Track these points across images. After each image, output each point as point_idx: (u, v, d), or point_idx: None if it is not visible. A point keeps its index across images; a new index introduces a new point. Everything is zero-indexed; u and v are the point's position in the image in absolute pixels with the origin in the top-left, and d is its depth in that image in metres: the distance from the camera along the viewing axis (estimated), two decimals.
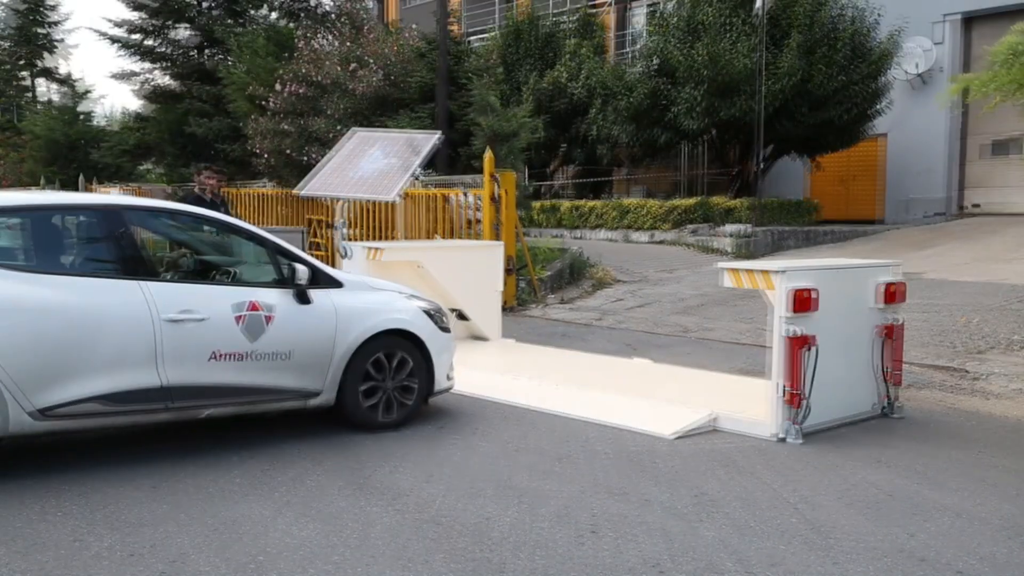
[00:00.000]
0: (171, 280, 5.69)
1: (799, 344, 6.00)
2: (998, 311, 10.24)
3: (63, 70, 35.29)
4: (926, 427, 6.54)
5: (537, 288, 13.53)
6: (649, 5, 25.82)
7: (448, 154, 15.81)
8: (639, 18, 27.23)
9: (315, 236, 15.65)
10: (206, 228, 6.33)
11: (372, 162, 10.31)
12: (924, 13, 20.58)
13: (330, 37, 17.92)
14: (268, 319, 5.73)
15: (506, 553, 4.11)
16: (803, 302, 6.01)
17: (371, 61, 16.17)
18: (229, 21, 22.54)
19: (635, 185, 26.50)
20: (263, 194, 17.35)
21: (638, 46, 23.46)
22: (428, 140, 10.67)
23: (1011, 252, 15.01)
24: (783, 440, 6.04)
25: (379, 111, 16.29)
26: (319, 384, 6.02)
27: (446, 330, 6.71)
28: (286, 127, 16.05)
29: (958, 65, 20.97)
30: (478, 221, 12.98)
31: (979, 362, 8.35)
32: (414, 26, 19.57)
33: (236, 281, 5.89)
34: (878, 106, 19.28)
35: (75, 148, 25.93)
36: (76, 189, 23.04)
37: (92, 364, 5.17)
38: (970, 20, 21.09)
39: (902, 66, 20.30)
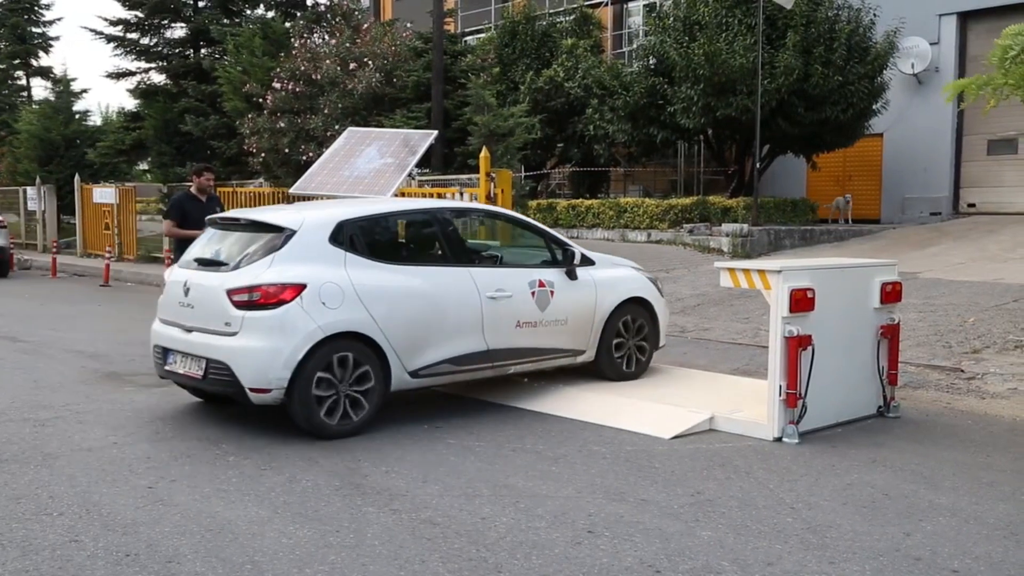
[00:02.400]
0: (486, 265, 6.96)
1: (797, 344, 5.99)
2: (994, 311, 10.25)
3: (43, 63, 35.24)
4: (922, 427, 6.55)
5: None
6: (646, 3, 25.81)
7: (444, 153, 15.80)
8: (636, 17, 27.22)
9: None
10: (497, 222, 7.94)
11: (368, 161, 10.28)
12: (920, 12, 20.59)
13: (326, 36, 17.90)
14: (551, 293, 7.08)
15: (502, 554, 4.10)
16: (801, 302, 6.01)
17: (369, 63, 16.15)
18: (225, 21, 22.50)
19: (632, 184, 26.50)
20: (258, 193, 17.31)
21: (635, 45, 23.46)
22: (424, 139, 10.65)
23: (1007, 252, 15.03)
24: (780, 441, 6.04)
25: (375, 110, 16.27)
26: (584, 344, 7.40)
27: (662, 295, 8.03)
28: (282, 125, 16.03)
29: (955, 64, 20.99)
30: None
31: (975, 362, 8.35)
32: (409, 24, 19.54)
33: (509, 264, 7.19)
34: (875, 106, 19.29)
35: (71, 147, 25.87)
36: (71, 189, 23.02)
37: (442, 335, 6.49)
38: (966, 18, 21.11)
39: (899, 66, 20.31)
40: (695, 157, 24.71)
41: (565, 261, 7.29)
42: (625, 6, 27.82)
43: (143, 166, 27.92)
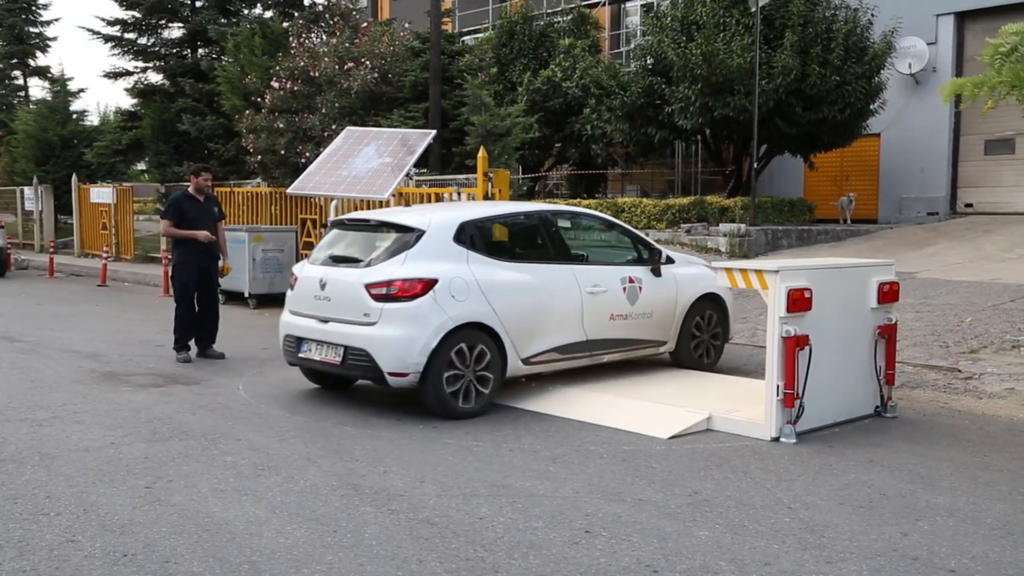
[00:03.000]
0: (584, 263, 7.56)
1: (795, 344, 6.00)
2: (991, 311, 10.26)
3: (41, 63, 35.14)
4: (920, 427, 6.55)
5: None
6: (643, 3, 25.82)
7: (442, 153, 15.78)
8: (634, 16, 27.21)
9: (308, 236, 15.61)
10: (584, 223, 8.43)
11: (365, 161, 10.28)
12: (918, 12, 20.59)
13: (324, 36, 17.87)
14: (640, 289, 7.72)
15: (500, 554, 4.10)
16: (798, 302, 6.02)
17: (367, 63, 16.13)
18: (222, 20, 22.46)
19: (630, 184, 26.49)
20: (255, 193, 17.30)
21: (632, 44, 23.42)
22: (422, 139, 10.64)
23: (1005, 252, 15.04)
24: (778, 441, 6.04)
25: (372, 109, 16.25)
26: (666, 336, 8.04)
27: (730, 291, 8.38)
28: (280, 125, 16.01)
29: (952, 64, 21.00)
30: None
31: (972, 362, 8.36)
32: (407, 24, 19.52)
33: (600, 262, 7.74)
34: (872, 106, 19.29)
35: (68, 147, 25.83)
36: (68, 189, 22.99)
37: (549, 326, 7.12)
38: (963, 18, 21.12)
39: (896, 65, 20.31)
40: (693, 157, 24.70)
41: (651, 259, 7.97)
42: (623, 6, 27.80)
43: (140, 166, 27.85)
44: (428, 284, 6.54)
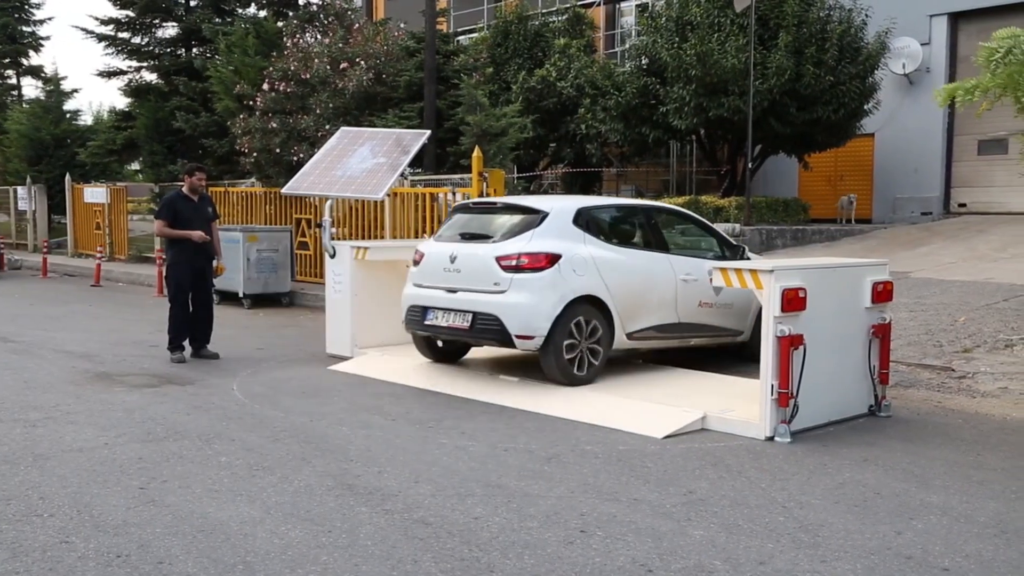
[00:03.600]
0: (678, 254, 8.26)
1: (789, 344, 6.01)
2: (985, 310, 10.29)
3: (34, 62, 35.06)
4: (913, 426, 6.57)
5: None
6: (638, 4, 25.83)
7: (436, 153, 15.76)
8: (628, 17, 27.23)
9: (302, 236, 15.60)
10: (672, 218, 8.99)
11: (360, 161, 10.25)
12: (911, 13, 20.63)
13: (318, 35, 17.83)
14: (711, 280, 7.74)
15: (495, 554, 4.10)
16: (793, 301, 6.03)
17: (361, 63, 16.10)
18: (217, 20, 22.40)
19: (625, 184, 26.50)
20: (250, 193, 17.27)
21: (627, 45, 23.43)
22: (417, 138, 10.62)
23: (998, 252, 15.08)
24: (772, 440, 6.05)
25: (367, 109, 16.22)
26: (743, 327, 8.65)
27: None
28: (274, 126, 15.97)
29: (946, 64, 21.05)
30: None
31: (966, 361, 8.39)
32: (402, 24, 19.50)
33: (691, 254, 8.43)
34: (866, 106, 19.32)
35: (61, 147, 25.76)
36: (62, 189, 22.92)
37: (650, 306, 7.86)
38: (957, 19, 21.17)
39: (890, 66, 20.36)
40: (687, 157, 24.72)
41: (732, 255, 8.57)
42: (617, 6, 27.82)
43: (134, 166, 27.79)
44: (553, 258, 7.34)
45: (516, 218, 7.82)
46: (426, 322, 7.89)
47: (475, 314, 7.46)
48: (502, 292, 7.34)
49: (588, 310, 7.45)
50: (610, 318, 7.58)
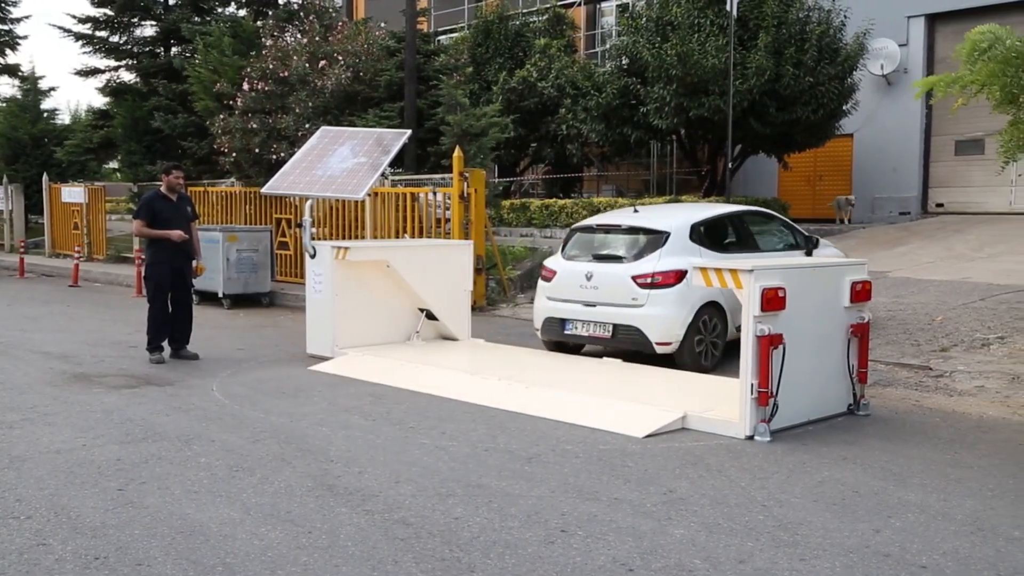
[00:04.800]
0: (765, 251, 9.23)
1: (769, 343, 6.04)
2: (962, 309, 10.38)
3: (11, 61, 34.62)
4: (892, 424, 6.62)
5: (507, 287, 13.52)
6: (619, 4, 25.87)
7: (417, 153, 15.73)
8: (609, 17, 27.28)
9: (283, 236, 15.52)
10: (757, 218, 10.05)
11: (340, 160, 10.21)
12: (889, 14, 20.80)
13: (298, 35, 17.74)
14: None
15: (476, 554, 4.10)
16: (772, 301, 6.06)
17: (340, 59, 16.04)
18: (196, 19, 22.24)
19: (606, 184, 26.56)
20: (229, 193, 17.17)
21: (608, 45, 23.47)
22: (397, 138, 10.60)
23: (975, 251, 15.23)
24: (752, 439, 6.07)
25: (347, 109, 16.17)
26: None
27: None
28: (254, 125, 15.88)
29: (923, 65, 21.23)
30: (447, 220, 12.94)
31: (943, 360, 8.46)
32: (383, 24, 19.45)
33: (776, 248, 9.45)
34: (845, 106, 19.46)
35: (38, 146, 25.50)
36: (39, 189, 22.69)
37: None
38: (934, 20, 21.36)
39: (868, 67, 20.51)
40: (668, 157, 24.79)
41: (806, 244, 9.69)
42: (598, 6, 27.87)
43: (112, 165, 27.55)
44: (681, 274, 8.24)
45: (642, 238, 8.79)
46: (566, 332, 8.94)
47: (616, 325, 8.52)
48: (640, 306, 8.36)
49: (710, 312, 8.51)
50: (724, 315, 8.63)
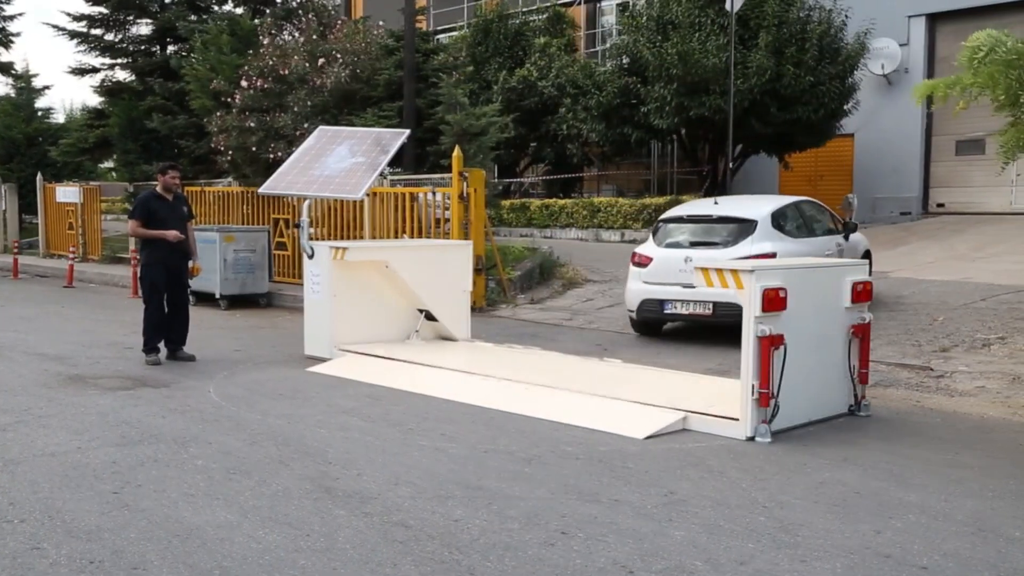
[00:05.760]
0: (820, 235, 10.60)
1: (770, 344, 6.00)
2: (963, 310, 10.36)
3: (4, 59, 34.58)
4: (892, 425, 6.59)
5: (507, 288, 13.48)
6: (619, 3, 25.85)
7: (416, 152, 15.68)
8: (609, 16, 27.26)
9: (280, 236, 15.48)
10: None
11: (338, 160, 10.17)
12: (890, 14, 20.78)
13: (296, 34, 17.69)
14: (842, 250, 10.70)
15: (475, 556, 4.06)
16: (773, 301, 6.02)
17: (339, 57, 15.99)
18: (192, 17, 22.17)
19: (605, 184, 26.54)
20: (226, 192, 17.12)
21: (608, 44, 23.46)
22: (396, 138, 10.55)
23: (975, 251, 15.21)
24: (753, 440, 6.04)
25: (345, 108, 16.11)
26: None
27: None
28: (251, 124, 15.82)
29: (924, 65, 21.22)
30: (446, 220, 12.90)
31: (944, 360, 8.44)
32: (381, 22, 19.41)
33: (824, 233, 10.79)
34: (846, 106, 19.45)
35: (33, 145, 25.41)
36: (33, 188, 22.62)
37: None
38: (935, 20, 21.35)
39: (869, 66, 20.49)
40: (668, 157, 24.79)
41: (847, 230, 11.09)
42: (598, 5, 27.85)
43: (108, 164, 27.49)
44: (771, 256, 9.15)
45: (732, 226, 9.89)
46: (665, 311, 9.80)
47: (715, 303, 9.22)
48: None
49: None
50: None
